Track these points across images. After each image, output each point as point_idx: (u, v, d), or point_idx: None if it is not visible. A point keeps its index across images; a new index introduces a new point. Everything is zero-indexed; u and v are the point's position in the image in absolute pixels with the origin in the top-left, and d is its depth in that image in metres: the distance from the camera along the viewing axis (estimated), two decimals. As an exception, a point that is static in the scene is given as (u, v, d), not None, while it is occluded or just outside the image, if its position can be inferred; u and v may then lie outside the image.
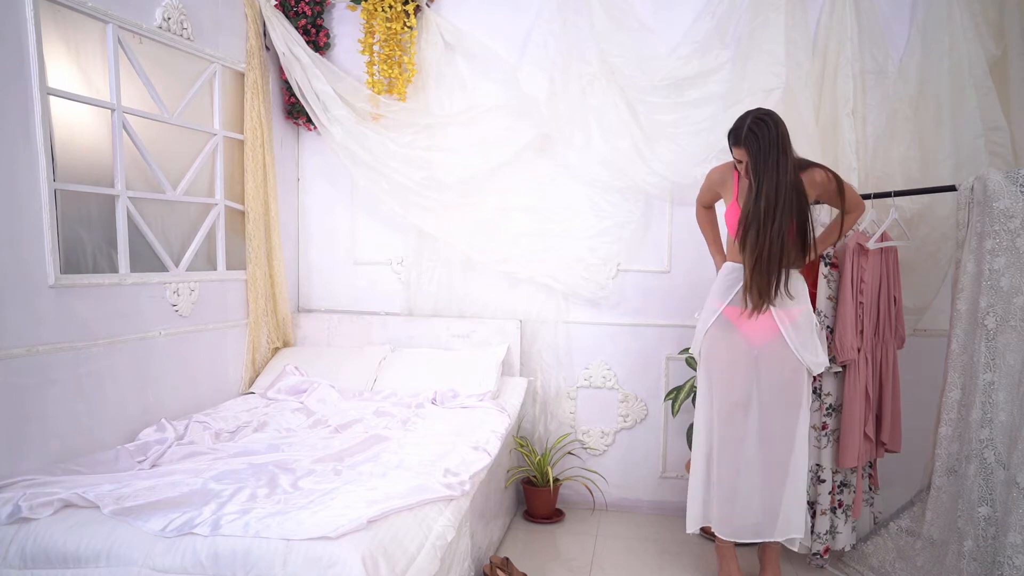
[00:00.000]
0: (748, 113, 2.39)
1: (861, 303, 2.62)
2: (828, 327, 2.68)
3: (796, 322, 2.44)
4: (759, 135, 2.31)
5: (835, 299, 2.70)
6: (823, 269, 2.68)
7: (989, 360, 2.28)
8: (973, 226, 2.35)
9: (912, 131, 2.99)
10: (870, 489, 2.85)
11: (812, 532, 2.76)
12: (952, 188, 2.49)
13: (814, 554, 2.75)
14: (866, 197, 2.70)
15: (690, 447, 3.24)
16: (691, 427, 3.23)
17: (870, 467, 2.82)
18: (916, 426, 2.89)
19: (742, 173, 2.42)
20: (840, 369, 2.69)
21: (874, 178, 3.03)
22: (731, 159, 2.51)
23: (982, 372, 2.29)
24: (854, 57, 2.99)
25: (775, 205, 2.29)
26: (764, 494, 2.47)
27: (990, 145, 2.86)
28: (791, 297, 2.40)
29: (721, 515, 2.51)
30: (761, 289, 2.34)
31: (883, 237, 2.66)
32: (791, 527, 2.47)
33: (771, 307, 2.39)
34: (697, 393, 2.66)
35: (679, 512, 3.45)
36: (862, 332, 2.63)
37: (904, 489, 2.85)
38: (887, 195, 2.66)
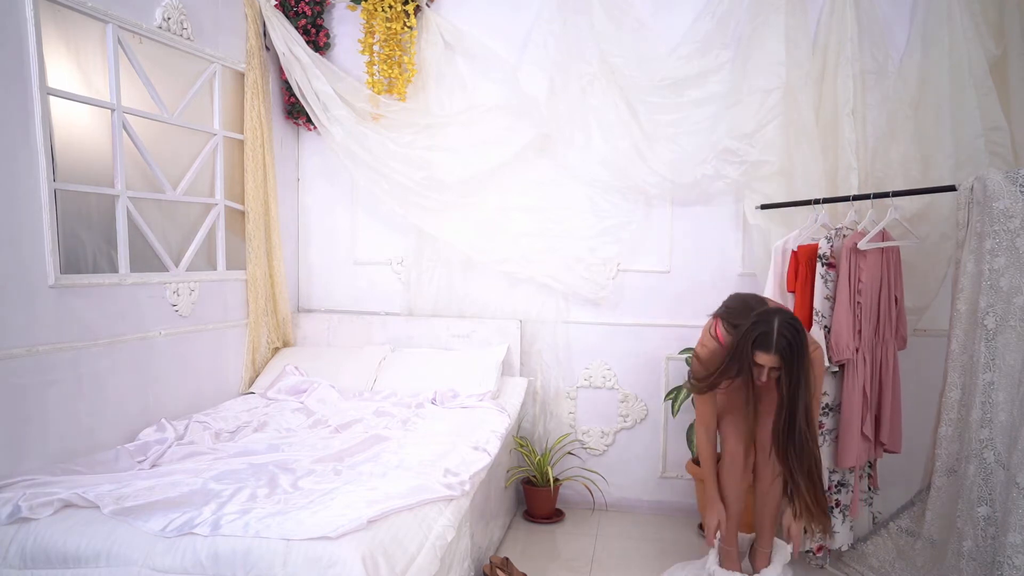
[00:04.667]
0: (768, 315, 2.25)
1: (859, 303, 2.62)
2: (826, 327, 2.68)
3: None
4: (793, 343, 2.19)
5: (832, 299, 2.70)
6: (820, 269, 2.67)
7: (989, 360, 2.28)
8: (973, 226, 2.35)
9: (912, 131, 2.99)
10: (869, 489, 2.84)
11: (806, 531, 2.76)
12: (952, 188, 2.49)
13: (806, 551, 2.76)
14: (866, 197, 2.70)
15: (690, 447, 3.24)
16: (691, 427, 3.23)
17: (870, 467, 2.82)
18: (916, 426, 2.89)
19: (749, 375, 2.31)
20: (837, 369, 2.69)
21: (874, 178, 3.03)
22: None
23: (982, 372, 2.29)
24: (854, 57, 2.99)
25: (797, 417, 2.25)
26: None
27: (990, 145, 2.86)
28: None
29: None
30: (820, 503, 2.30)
31: (884, 236, 2.66)
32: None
33: None
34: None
35: (679, 512, 3.46)
36: (860, 332, 2.63)
37: (904, 489, 2.85)
38: (887, 195, 2.66)
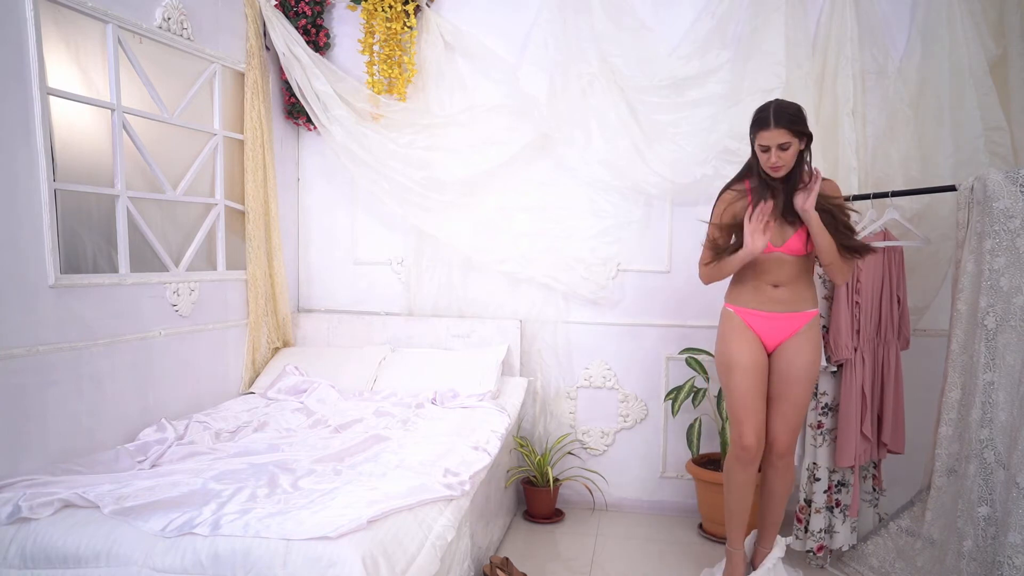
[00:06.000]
0: (765, 105, 2.31)
1: (857, 303, 2.62)
2: (824, 327, 2.68)
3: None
4: (790, 109, 2.26)
5: (830, 299, 2.70)
6: (817, 268, 2.67)
7: (989, 360, 2.28)
8: (973, 226, 2.35)
9: (912, 131, 2.99)
10: (875, 491, 2.84)
11: (807, 530, 2.77)
12: (952, 188, 2.49)
13: (807, 551, 2.76)
14: (866, 197, 2.70)
15: (690, 447, 3.24)
16: (691, 427, 3.23)
17: (874, 467, 2.82)
18: (916, 426, 2.89)
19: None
20: (836, 368, 2.69)
21: (874, 178, 3.03)
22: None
23: (982, 372, 2.29)
24: (854, 57, 2.99)
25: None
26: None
27: (990, 145, 2.86)
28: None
29: None
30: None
31: (886, 237, 2.66)
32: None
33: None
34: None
35: (679, 512, 3.46)
36: (859, 332, 2.63)
37: (905, 489, 2.85)
38: (886, 195, 2.66)
